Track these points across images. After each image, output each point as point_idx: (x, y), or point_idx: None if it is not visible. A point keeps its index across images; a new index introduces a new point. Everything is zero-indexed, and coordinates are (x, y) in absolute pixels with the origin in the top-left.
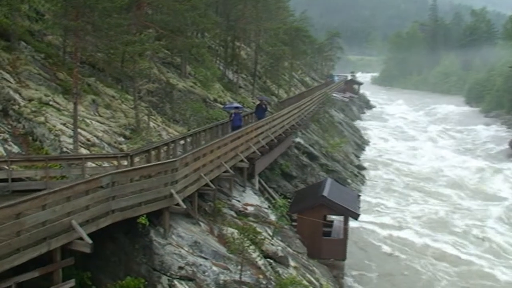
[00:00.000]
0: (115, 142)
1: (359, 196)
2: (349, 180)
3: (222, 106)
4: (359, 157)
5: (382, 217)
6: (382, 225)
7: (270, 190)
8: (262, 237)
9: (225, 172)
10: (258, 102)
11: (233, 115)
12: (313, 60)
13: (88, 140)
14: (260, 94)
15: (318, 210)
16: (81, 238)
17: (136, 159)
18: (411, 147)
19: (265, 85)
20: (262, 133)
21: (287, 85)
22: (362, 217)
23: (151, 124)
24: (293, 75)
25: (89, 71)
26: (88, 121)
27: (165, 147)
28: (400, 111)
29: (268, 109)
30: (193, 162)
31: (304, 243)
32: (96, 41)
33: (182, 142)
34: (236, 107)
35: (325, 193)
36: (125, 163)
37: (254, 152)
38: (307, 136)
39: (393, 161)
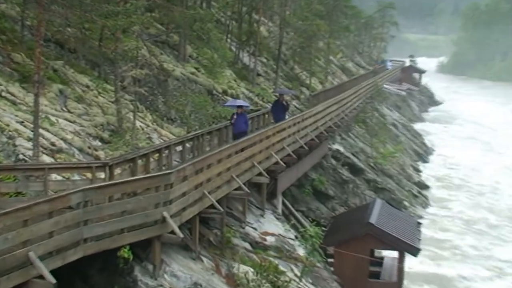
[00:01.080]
0: (89, 147)
1: (419, 224)
2: (405, 203)
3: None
4: (420, 171)
5: (452, 262)
6: (448, 271)
7: (298, 215)
8: (287, 279)
9: (237, 189)
10: (281, 99)
11: (235, 116)
12: (358, 40)
13: (53, 144)
14: (284, 86)
15: (363, 243)
16: (41, 276)
17: (117, 171)
18: (494, 162)
19: (292, 73)
20: (288, 136)
21: (323, 73)
22: (423, 253)
23: (138, 123)
24: (330, 60)
25: (56, 52)
26: (53, 118)
27: (156, 155)
28: (479, 110)
29: (289, 107)
30: (194, 176)
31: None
32: (66, 12)
33: (179, 148)
34: (240, 106)
35: (372, 220)
36: (103, 175)
37: (276, 162)
38: (348, 142)
39: (468, 182)
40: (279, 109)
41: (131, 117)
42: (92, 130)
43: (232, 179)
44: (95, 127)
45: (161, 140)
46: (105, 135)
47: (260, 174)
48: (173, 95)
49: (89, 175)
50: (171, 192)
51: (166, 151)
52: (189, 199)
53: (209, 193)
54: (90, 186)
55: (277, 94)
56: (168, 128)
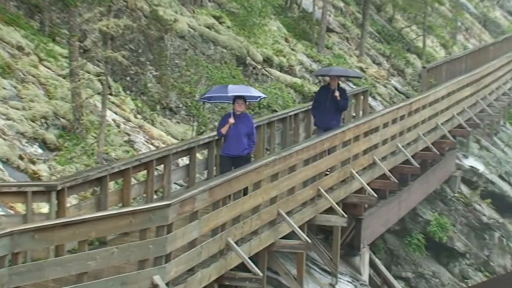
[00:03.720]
0: (21, 158)
1: None
2: None
3: (288, 73)
4: None
5: None
6: None
7: (399, 286)
8: None
9: (287, 236)
10: (333, 83)
11: (231, 121)
12: None
13: None
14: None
15: None
16: None
17: (72, 200)
18: None
19: (391, 28)
20: (382, 143)
21: (448, 29)
22: None
23: (111, 115)
24: (462, 4)
25: None
26: None
27: (142, 172)
28: None
29: (349, 102)
30: (210, 212)
31: None
32: None
33: (182, 160)
34: (239, 97)
35: None
36: (45, 208)
37: (361, 190)
38: (493, 154)
39: None
40: (328, 103)
41: (98, 104)
42: (27, 126)
43: (279, 219)
44: (33, 122)
45: (151, 146)
46: (51, 135)
47: (329, 210)
48: (174, 66)
49: (20, 206)
50: (168, 240)
51: (161, 166)
52: (201, 254)
53: (236, 243)
54: (23, 227)
55: (323, 77)
56: (165, 124)
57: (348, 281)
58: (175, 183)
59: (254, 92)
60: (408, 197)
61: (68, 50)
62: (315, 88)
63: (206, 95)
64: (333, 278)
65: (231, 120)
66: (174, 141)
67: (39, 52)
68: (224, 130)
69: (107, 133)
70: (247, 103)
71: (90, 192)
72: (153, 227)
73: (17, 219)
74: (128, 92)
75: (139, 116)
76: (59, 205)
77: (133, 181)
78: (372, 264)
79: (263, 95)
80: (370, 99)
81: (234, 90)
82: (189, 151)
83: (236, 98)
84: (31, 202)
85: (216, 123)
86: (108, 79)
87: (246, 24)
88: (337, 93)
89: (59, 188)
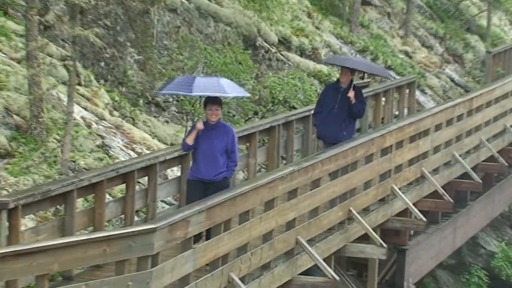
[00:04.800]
0: None
1: None
2: None
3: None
4: None
5: None
6: None
7: None
8: None
9: (308, 272)
10: (344, 79)
11: (194, 133)
12: None
13: None
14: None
15: None
16: None
17: (27, 222)
18: None
19: (447, 2)
20: (433, 151)
21: None
22: None
23: (79, 111)
24: None
25: None
26: None
27: (120, 185)
28: None
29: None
30: (208, 242)
31: None
32: None
33: (172, 171)
34: (212, 101)
35: None
36: None
37: (405, 211)
38: None
39: None
40: (337, 108)
41: (63, 97)
42: None
43: (298, 249)
44: None
45: (131, 153)
46: (1, 137)
47: (364, 238)
48: (162, 48)
49: None
50: (153, 276)
51: (144, 179)
52: None
53: (242, 280)
54: None
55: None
56: (150, 123)
57: None
58: (163, 201)
59: (230, 89)
60: (467, 222)
61: (24, 27)
62: None
63: (165, 91)
64: None
65: (200, 125)
66: (162, 146)
67: None
68: (190, 140)
69: (74, 135)
70: (219, 107)
71: (51, 211)
72: (134, 258)
73: None
74: (102, 81)
75: (116, 113)
76: (10, 228)
77: (107, 198)
78: None
79: (247, 94)
80: (418, 93)
81: (201, 87)
82: (181, 160)
83: (207, 102)
84: None
85: None
86: (77, 64)
87: None
88: (351, 93)
89: (11, 206)
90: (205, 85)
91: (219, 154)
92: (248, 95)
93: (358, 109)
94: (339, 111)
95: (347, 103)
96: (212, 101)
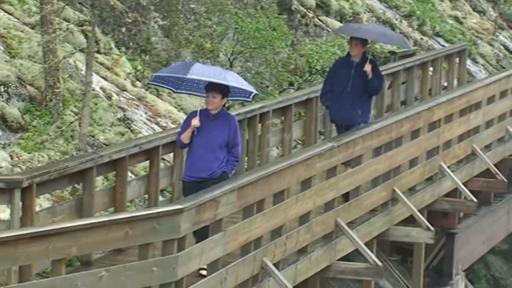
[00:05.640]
0: None
1: None
2: None
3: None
4: None
5: None
6: None
7: None
8: None
9: (342, 259)
10: (355, 51)
11: (195, 125)
12: None
13: None
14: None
15: None
16: None
17: (42, 202)
18: None
19: None
20: (488, 124)
21: None
22: None
23: (98, 81)
24: None
25: None
26: None
27: (143, 162)
28: None
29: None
30: (240, 221)
31: None
32: None
33: None
34: (212, 87)
35: None
36: (6, 213)
37: (454, 192)
38: None
39: None
40: (350, 85)
41: (81, 66)
42: None
43: (337, 233)
44: None
45: (156, 127)
46: (13, 110)
47: (409, 220)
48: (188, 12)
49: None
50: (179, 261)
51: (170, 155)
52: (226, 280)
53: (276, 265)
54: None
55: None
56: (175, 94)
57: None
58: None
59: (233, 80)
60: None
61: None
62: (390, 47)
63: (159, 74)
64: None
65: (195, 122)
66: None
67: None
68: (185, 138)
69: (93, 107)
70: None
71: (68, 191)
72: (158, 242)
73: None
74: (123, 49)
75: (138, 83)
76: (24, 208)
77: (130, 176)
78: None
79: (254, 91)
80: (468, 62)
81: (199, 71)
82: None
83: (208, 87)
84: None
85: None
86: (96, 30)
87: None
88: (367, 67)
89: (25, 185)
90: (204, 70)
91: (218, 148)
92: (256, 92)
93: (375, 85)
94: (353, 89)
95: (362, 78)
96: (210, 87)
